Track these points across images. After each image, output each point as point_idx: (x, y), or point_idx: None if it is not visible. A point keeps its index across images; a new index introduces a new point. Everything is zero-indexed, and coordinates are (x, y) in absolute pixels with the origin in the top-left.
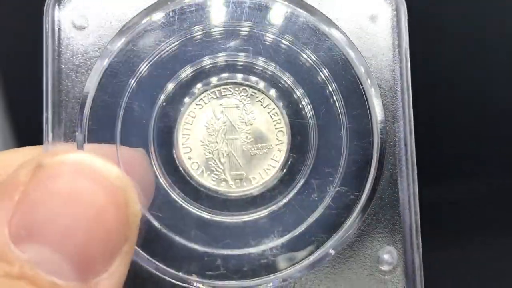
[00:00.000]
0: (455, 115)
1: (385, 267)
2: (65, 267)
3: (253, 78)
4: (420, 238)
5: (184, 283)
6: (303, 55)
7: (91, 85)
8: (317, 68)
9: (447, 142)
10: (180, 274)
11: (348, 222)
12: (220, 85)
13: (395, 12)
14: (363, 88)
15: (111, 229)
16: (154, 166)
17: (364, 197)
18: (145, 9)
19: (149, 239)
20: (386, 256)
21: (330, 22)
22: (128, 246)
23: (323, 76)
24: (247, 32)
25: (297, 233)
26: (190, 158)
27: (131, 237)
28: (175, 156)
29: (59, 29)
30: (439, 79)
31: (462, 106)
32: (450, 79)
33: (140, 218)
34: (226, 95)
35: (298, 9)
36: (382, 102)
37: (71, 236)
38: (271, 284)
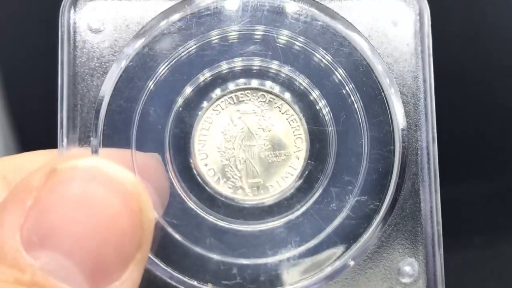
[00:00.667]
0: (475, 122)
1: (406, 280)
2: (77, 275)
3: (271, 84)
4: (443, 250)
5: None
6: (323, 60)
7: (106, 89)
8: (337, 74)
9: (468, 145)
10: (195, 283)
11: (368, 233)
12: (238, 90)
13: (418, 17)
14: (384, 94)
15: (125, 235)
16: (169, 172)
17: (384, 207)
18: (162, 13)
19: (164, 247)
20: (407, 268)
21: (350, 27)
22: (141, 253)
23: (343, 82)
24: (265, 37)
25: (315, 243)
26: (206, 165)
27: (145, 243)
28: (191, 162)
29: (74, 32)
30: (461, 85)
31: (482, 114)
32: (472, 85)
33: (155, 224)
34: (243, 100)
35: (318, 13)
36: (404, 109)
37: (84, 243)
38: None
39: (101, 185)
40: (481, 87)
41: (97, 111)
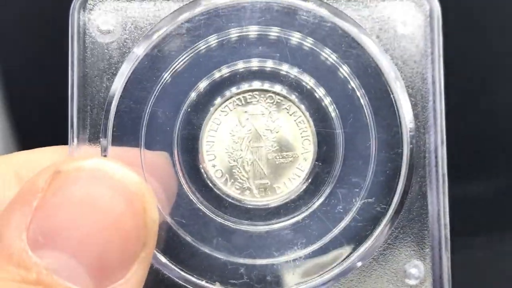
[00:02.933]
0: (484, 123)
1: (412, 282)
2: (82, 274)
3: (280, 85)
4: (450, 253)
5: None
6: (332, 61)
7: (115, 90)
8: (345, 75)
9: (472, 145)
10: (203, 282)
11: (375, 235)
12: (246, 91)
13: (428, 18)
14: (393, 96)
15: (129, 235)
16: (177, 173)
17: (391, 209)
18: (171, 14)
19: (171, 246)
20: (413, 270)
21: (359, 27)
22: (146, 252)
23: (352, 84)
24: (273, 38)
25: (321, 245)
26: (214, 166)
27: (149, 243)
28: (199, 163)
29: (84, 34)
30: (472, 87)
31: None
32: (481, 85)
33: (162, 223)
34: (251, 102)
35: (327, 13)
36: (413, 111)
37: (88, 242)
38: None
39: (105, 186)
40: (491, 87)
41: (107, 111)
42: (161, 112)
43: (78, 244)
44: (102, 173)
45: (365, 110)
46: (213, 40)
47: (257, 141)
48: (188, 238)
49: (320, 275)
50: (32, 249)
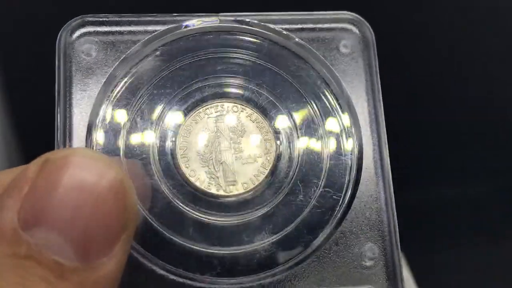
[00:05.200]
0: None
1: (367, 263)
2: (69, 249)
3: (242, 96)
4: (398, 235)
5: (183, 279)
6: (286, 76)
7: (95, 111)
8: (297, 87)
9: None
10: (180, 270)
11: (333, 221)
12: (214, 102)
13: (364, 40)
14: (339, 102)
15: (110, 216)
16: (156, 173)
17: (346, 198)
18: (144, 40)
19: (148, 238)
20: (368, 252)
21: (305, 47)
22: (126, 234)
23: (302, 93)
24: (234, 57)
25: (287, 232)
26: (187, 167)
27: (129, 226)
28: (174, 165)
29: (70, 55)
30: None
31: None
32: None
33: (141, 218)
34: (219, 111)
35: (272, 35)
36: (359, 116)
37: (74, 222)
38: (263, 280)
39: (90, 172)
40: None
41: (89, 129)
42: (139, 120)
43: (65, 223)
44: (87, 160)
45: (315, 115)
46: (182, 61)
47: (225, 145)
48: (164, 231)
49: (287, 260)
50: (22, 228)
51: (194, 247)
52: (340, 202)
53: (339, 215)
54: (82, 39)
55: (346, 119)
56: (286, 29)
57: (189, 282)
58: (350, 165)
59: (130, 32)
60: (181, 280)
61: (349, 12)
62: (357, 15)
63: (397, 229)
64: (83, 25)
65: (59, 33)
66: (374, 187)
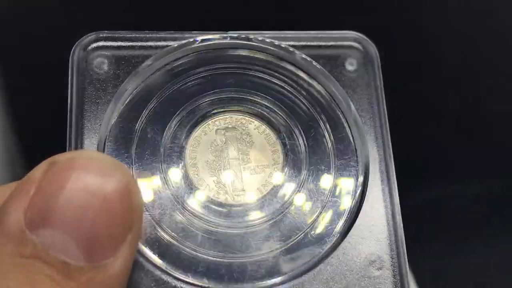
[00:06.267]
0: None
1: (375, 272)
2: (75, 249)
3: (249, 109)
4: (405, 242)
5: (190, 286)
6: (292, 90)
7: (105, 124)
8: (303, 101)
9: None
10: (188, 277)
11: (340, 230)
12: (222, 114)
13: (368, 57)
14: (345, 115)
15: (116, 216)
16: (165, 182)
17: (354, 207)
18: (155, 55)
19: (156, 245)
20: (376, 262)
21: (312, 64)
22: (132, 235)
23: (308, 106)
24: (241, 72)
25: (294, 240)
26: (196, 176)
27: (135, 227)
28: (183, 174)
29: (83, 69)
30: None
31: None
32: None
33: (147, 223)
34: (228, 122)
35: (279, 52)
36: (366, 130)
37: (80, 222)
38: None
39: (96, 173)
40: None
41: (100, 142)
42: (150, 131)
43: (71, 224)
44: (93, 162)
45: (322, 128)
46: (190, 75)
47: (234, 155)
48: (171, 238)
49: (294, 269)
50: (29, 229)
51: (202, 254)
52: (348, 211)
53: (347, 224)
54: (95, 54)
55: (353, 132)
56: (292, 46)
57: None
58: (357, 175)
59: (142, 47)
60: (188, 287)
61: (354, 32)
62: (361, 34)
63: (403, 239)
64: (96, 40)
65: (73, 47)
66: (381, 196)
